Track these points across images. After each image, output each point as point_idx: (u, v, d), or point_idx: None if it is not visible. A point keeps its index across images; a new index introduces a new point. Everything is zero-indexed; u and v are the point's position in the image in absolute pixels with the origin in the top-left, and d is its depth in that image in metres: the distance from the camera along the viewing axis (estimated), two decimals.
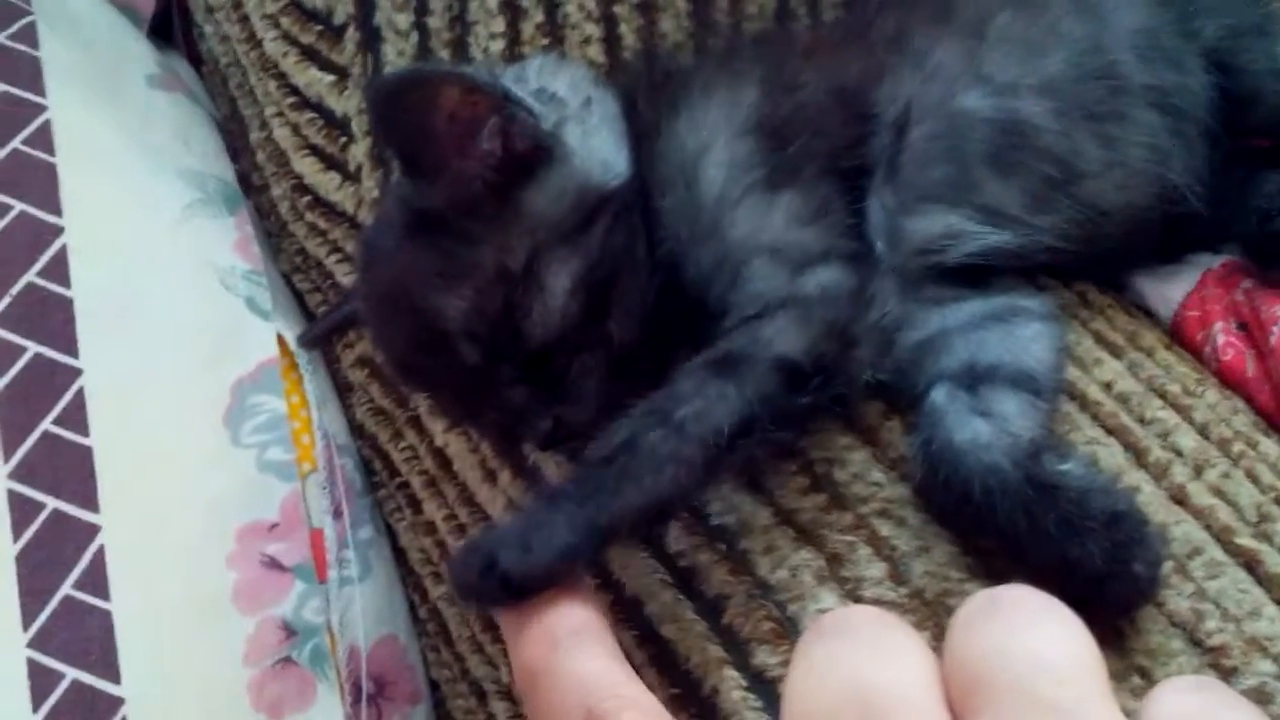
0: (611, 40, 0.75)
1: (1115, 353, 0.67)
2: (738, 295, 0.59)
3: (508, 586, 0.50)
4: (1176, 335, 0.69)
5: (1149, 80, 0.70)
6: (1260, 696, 0.50)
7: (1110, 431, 0.62)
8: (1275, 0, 0.79)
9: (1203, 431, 0.62)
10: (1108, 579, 0.52)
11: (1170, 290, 0.70)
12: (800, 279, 0.59)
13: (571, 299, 0.58)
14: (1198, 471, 0.59)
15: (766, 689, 0.52)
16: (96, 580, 0.63)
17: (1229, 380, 0.66)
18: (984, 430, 0.57)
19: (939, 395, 0.60)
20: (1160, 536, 0.53)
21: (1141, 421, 0.63)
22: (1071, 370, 0.65)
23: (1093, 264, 0.71)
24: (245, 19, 0.82)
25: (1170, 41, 0.72)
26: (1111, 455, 0.60)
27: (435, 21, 0.74)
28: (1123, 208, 0.68)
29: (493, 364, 0.59)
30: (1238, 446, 0.61)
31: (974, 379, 0.60)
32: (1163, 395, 0.64)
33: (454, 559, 0.55)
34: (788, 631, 0.53)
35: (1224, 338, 0.68)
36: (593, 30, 0.75)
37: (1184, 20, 0.73)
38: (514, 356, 0.59)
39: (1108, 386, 0.64)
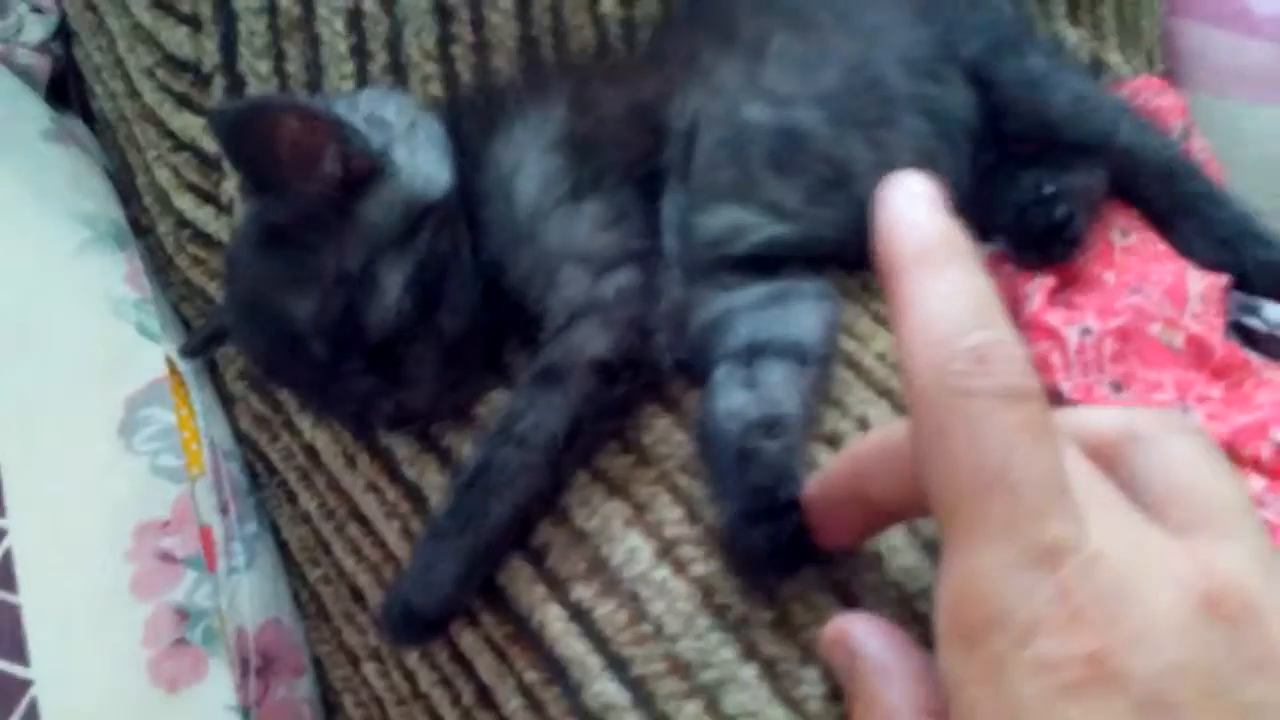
0: (450, 77, 0.81)
1: (889, 328, 0.71)
2: (551, 299, 0.66)
3: (426, 624, 0.61)
4: None
5: (914, 91, 0.77)
6: None
7: (880, 394, 0.67)
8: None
9: None
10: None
11: None
12: (601, 282, 0.65)
13: (404, 296, 0.65)
14: None
15: (585, 618, 0.59)
16: (4, 576, 0.69)
17: None
18: (740, 401, 0.62)
19: (720, 370, 0.65)
20: None
21: None
22: (850, 343, 0.70)
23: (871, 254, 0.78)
24: (126, 74, 0.88)
25: (933, 57, 0.80)
26: (880, 413, 0.65)
27: (292, 66, 0.79)
28: None
29: (340, 358, 0.65)
30: None
31: (751, 354, 0.65)
32: None
33: (378, 613, 0.64)
34: (600, 569, 0.60)
35: None
36: (432, 69, 0.81)
37: (946, 38, 0.81)
38: (357, 350, 0.65)
39: (881, 356, 0.70)
